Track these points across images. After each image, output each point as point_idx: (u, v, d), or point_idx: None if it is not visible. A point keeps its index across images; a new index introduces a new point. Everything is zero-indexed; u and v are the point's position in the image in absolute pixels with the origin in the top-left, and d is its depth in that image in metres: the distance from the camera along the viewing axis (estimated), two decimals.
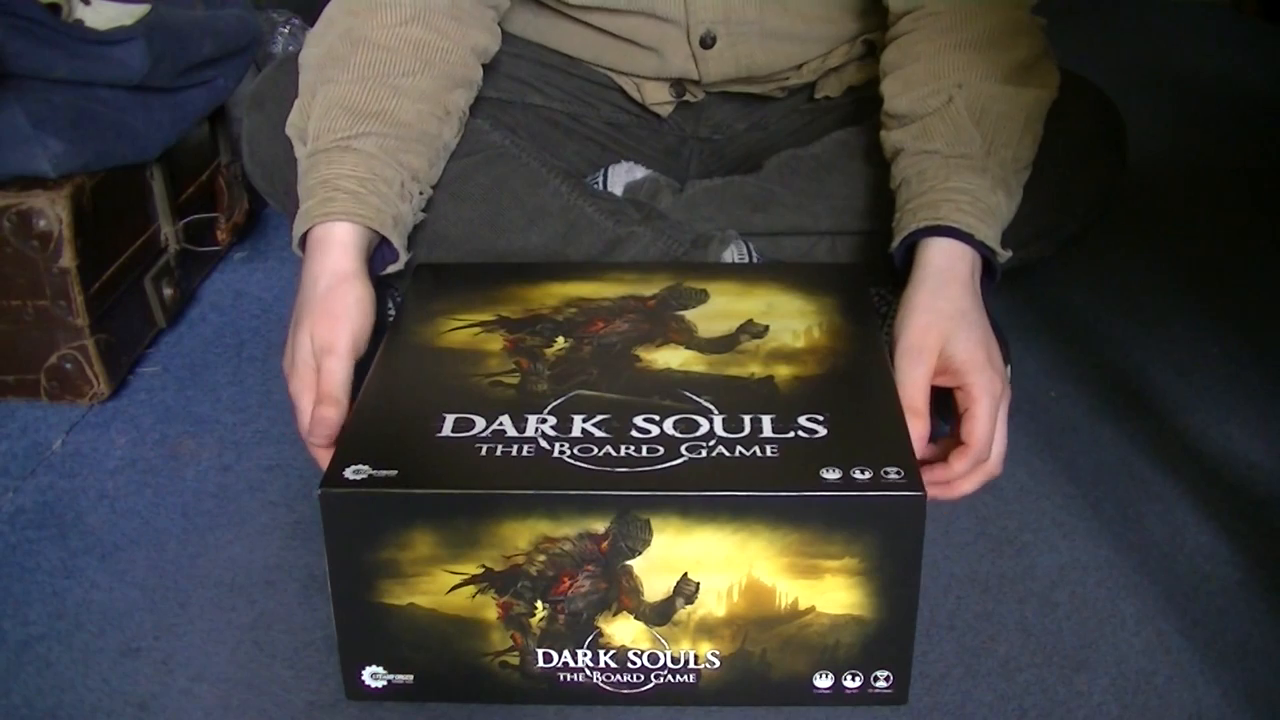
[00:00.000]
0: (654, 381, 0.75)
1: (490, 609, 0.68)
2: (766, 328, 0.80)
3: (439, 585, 0.67)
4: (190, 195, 1.18)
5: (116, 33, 1.02)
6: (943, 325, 0.78)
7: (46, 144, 0.95)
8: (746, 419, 0.71)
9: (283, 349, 0.81)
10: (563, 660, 0.69)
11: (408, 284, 0.88)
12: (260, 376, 1.08)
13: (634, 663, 0.69)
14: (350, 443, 0.69)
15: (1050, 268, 1.21)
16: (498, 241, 0.94)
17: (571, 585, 0.67)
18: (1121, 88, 1.08)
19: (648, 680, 0.70)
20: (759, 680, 0.70)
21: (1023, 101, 0.86)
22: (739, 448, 0.68)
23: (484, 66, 0.95)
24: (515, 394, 0.74)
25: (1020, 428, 0.99)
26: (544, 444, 0.69)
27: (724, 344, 0.79)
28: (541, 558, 0.66)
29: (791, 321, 0.81)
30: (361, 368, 0.79)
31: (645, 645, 0.69)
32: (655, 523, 0.65)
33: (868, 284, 0.89)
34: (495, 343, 0.79)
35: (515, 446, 0.69)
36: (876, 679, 0.70)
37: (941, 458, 0.78)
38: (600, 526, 0.65)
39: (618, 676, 0.70)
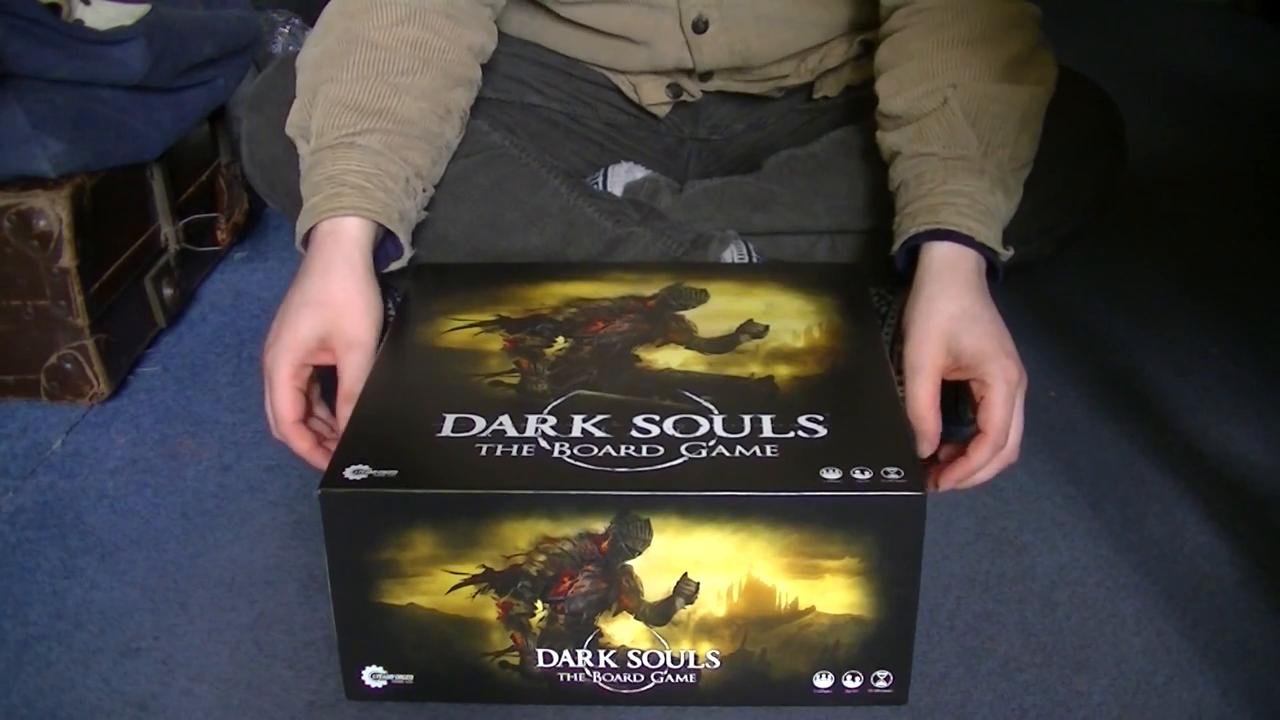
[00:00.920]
0: (654, 381, 0.75)
1: (490, 609, 0.68)
2: (766, 328, 0.80)
3: (439, 585, 0.67)
4: (190, 195, 1.18)
5: (116, 33, 1.02)
6: (945, 328, 0.78)
7: (46, 144, 0.95)
8: (746, 419, 0.71)
9: (272, 330, 0.80)
10: (563, 660, 0.69)
11: (408, 284, 0.88)
12: (260, 376, 1.08)
13: (634, 663, 0.69)
14: (350, 443, 0.69)
15: (1050, 268, 1.21)
16: (498, 242, 0.94)
17: (571, 585, 0.67)
18: (1121, 88, 1.08)
19: (648, 680, 0.70)
20: (759, 680, 0.70)
21: (1018, 100, 0.86)
22: (739, 448, 0.68)
23: (483, 66, 0.95)
24: (515, 394, 0.74)
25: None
26: (544, 444, 0.69)
27: (724, 344, 0.79)
28: (541, 558, 0.66)
29: (791, 321, 0.81)
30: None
31: (645, 645, 0.69)
32: (655, 523, 0.65)
33: (868, 284, 0.89)
34: (495, 343, 0.79)
35: (515, 446, 0.69)
36: (876, 679, 0.70)
37: (962, 453, 0.78)
38: (600, 526, 0.65)
39: (618, 676, 0.70)
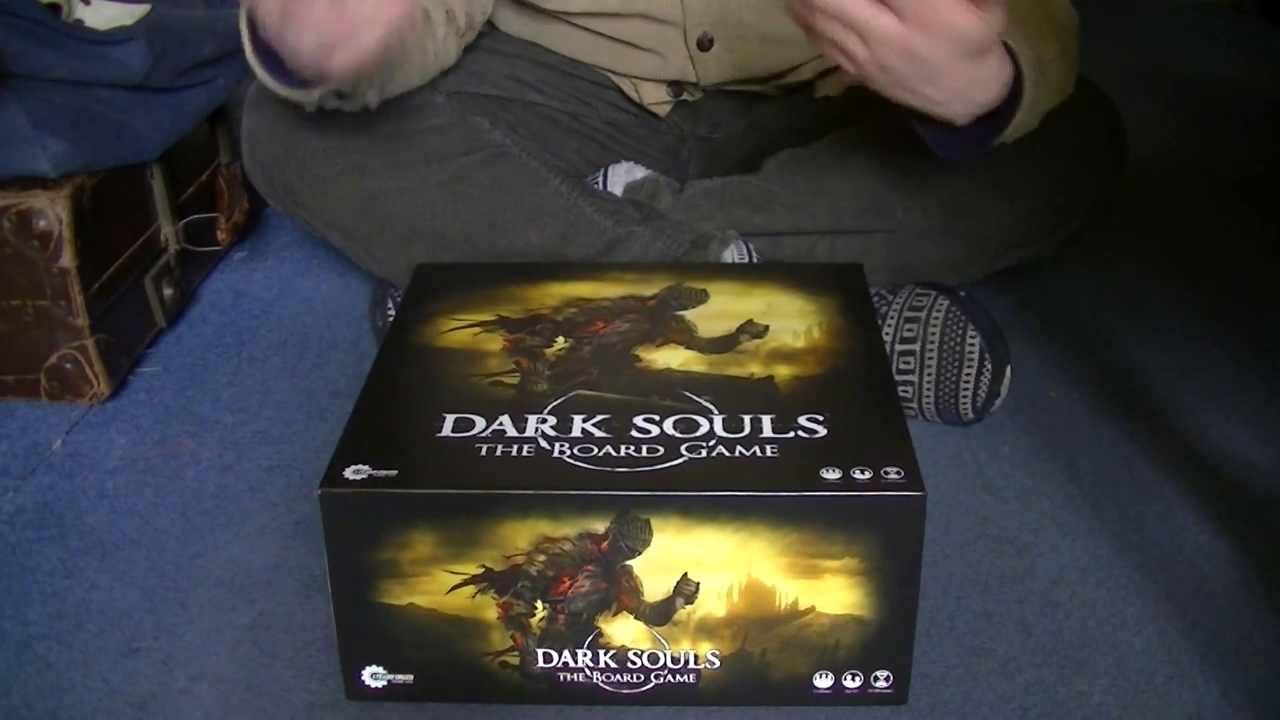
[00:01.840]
0: (654, 381, 0.75)
1: (490, 609, 0.68)
2: (766, 328, 0.80)
3: (439, 585, 0.67)
4: (190, 195, 1.18)
5: (116, 33, 1.02)
6: None
7: (46, 144, 0.95)
8: (746, 419, 0.71)
9: None
10: (563, 660, 0.69)
11: (407, 284, 0.88)
12: (260, 376, 1.08)
13: (634, 663, 0.69)
14: (350, 443, 0.69)
15: (1050, 268, 1.21)
16: (497, 241, 0.94)
17: (571, 585, 0.67)
18: (1121, 88, 1.08)
19: (648, 680, 0.70)
20: (759, 680, 0.70)
21: (1062, 43, 0.83)
22: (739, 448, 0.68)
23: (483, 66, 0.94)
24: (515, 394, 0.74)
25: (1020, 428, 0.99)
26: (544, 444, 0.69)
27: (724, 344, 0.79)
28: (541, 558, 0.66)
29: (791, 321, 0.81)
30: (362, 359, 0.79)
31: (645, 645, 0.69)
32: (655, 523, 0.65)
33: (867, 284, 0.89)
34: (495, 343, 0.79)
35: (515, 446, 0.69)
36: (876, 679, 0.70)
37: None
38: (600, 526, 0.65)
39: (618, 676, 0.70)
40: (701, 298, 0.84)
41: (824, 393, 0.73)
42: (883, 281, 0.98)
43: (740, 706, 0.71)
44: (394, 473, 0.66)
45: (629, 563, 0.66)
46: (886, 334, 0.95)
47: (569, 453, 0.68)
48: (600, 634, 0.68)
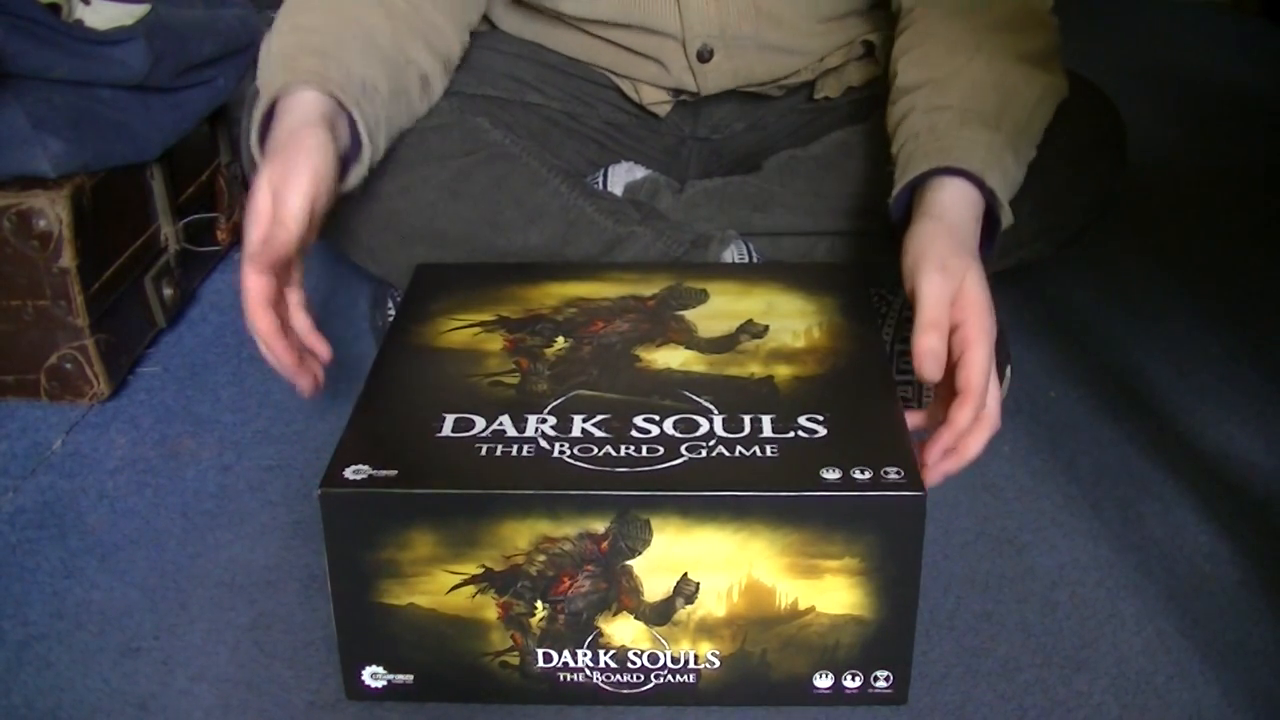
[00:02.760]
0: (654, 381, 0.75)
1: (490, 609, 0.68)
2: (766, 328, 0.80)
3: (439, 585, 0.67)
4: (190, 195, 1.18)
5: (116, 33, 1.02)
6: (964, 255, 0.75)
7: (46, 144, 0.95)
8: (746, 419, 0.71)
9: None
10: (563, 660, 0.69)
11: (407, 284, 0.88)
12: (260, 376, 1.08)
13: (634, 663, 0.69)
14: (350, 443, 0.69)
15: (1050, 268, 1.21)
16: (497, 241, 0.94)
17: (571, 585, 0.67)
18: (1121, 88, 1.08)
19: (648, 680, 0.70)
20: (759, 680, 0.70)
21: (1037, 81, 0.85)
22: (739, 448, 0.68)
23: (483, 66, 0.94)
24: (515, 394, 0.74)
25: (1020, 428, 0.99)
26: (544, 444, 0.69)
27: (724, 344, 0.79)
28: (541, 558, 0.66)
29: (791, 321, 0.81)
30: (362, 359, 0.79)
31: (645, 645, 0.69)
32: (655, 523, 0.65)
33: (868, 284, 0.89)
34: (495, 343, 0.79)
35: (515, 446, 0.69)
36: (876, 679, 0.70)
37: (933, 428, 0.75)
38: (600, 526, 0.65)
39: (618, 676, 0.70)
40: (701, 298, 0.84)
41: (824, 393, 0.73)
42: (883, 282, 0.98)
43: (740, 706, 0.71)
44: (394, 473, 0.66)
45: (629, 563, 0.66)
46: (886, 334, 0.95)
47: (569, 453, 0.68)
48: (600, 634, 0.68)
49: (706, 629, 0.68)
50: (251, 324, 0.75)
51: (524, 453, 0.68)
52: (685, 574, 0.67)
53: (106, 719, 0.72)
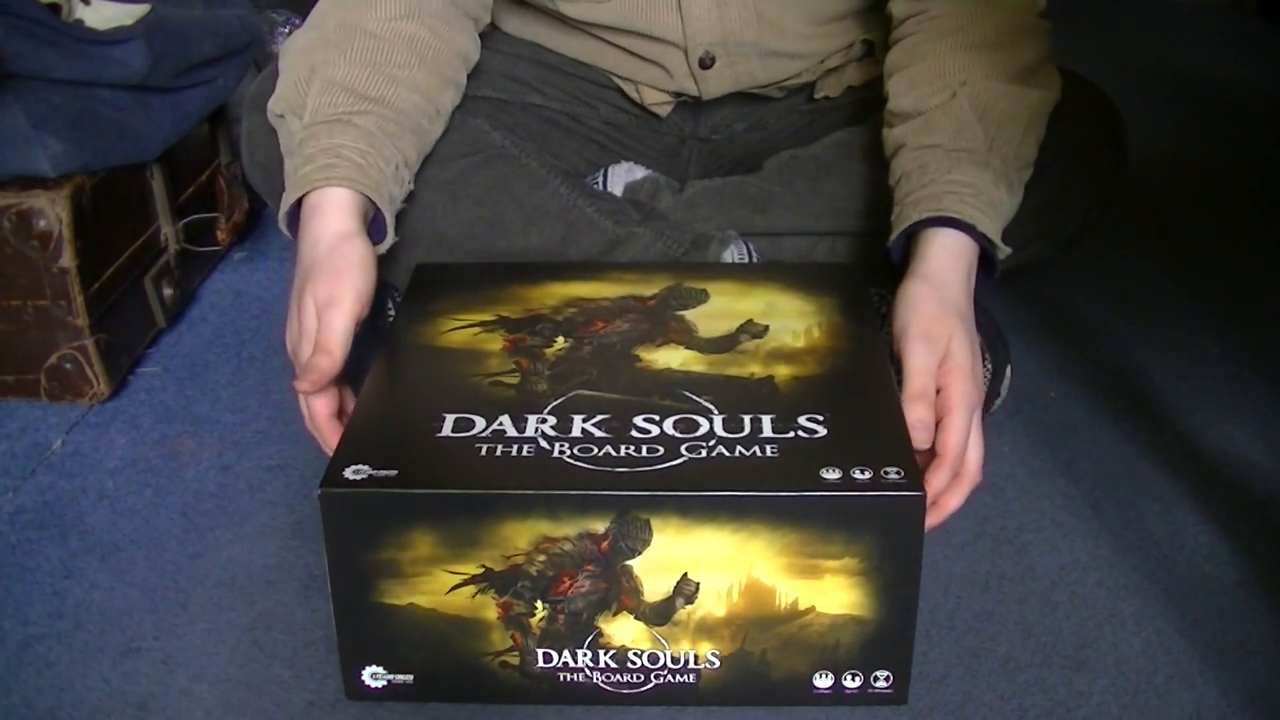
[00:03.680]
0: (654, 381, 0.75)
1: (490, 609, 0.68)
2: (766, 328, 0.80)
3: (439, 585, 0.67)
4: (190, 195, 1.18)
5: (116, 33, 1.02)
6: (950, 320, 0.77)
7: (46, 144, 0.95)
8: (746, 419, 0.71)
9: (285, 324, 0.81)
10: (563, 660, 0.69)
11: (407, 284, 0.88)
12: (260, 376, 1.08)
13: (634, 663, 0.69)
14: (350, 443, 0.69)
15: (1050, 268, 1.21)
16: (497, 241, 0.94)
17: (571, 585, 0.67)
18: (1121, 88, 1.08)
19: (648, 680, 0.70)
20: (759, 680, 0.70)
21: (1026, 101, 0.86)
22: (739, 448, 0.68)
23: (483, 66, 0.94)
24: (515, 394, 0.74)
25: (1020, 428, 0.99)
26: (544, 444, 0.69)
27: (724, 344, 0.79)
28: (541, 558, 0.66)
29: (791, 321, 0.81)
30: (362, 356, 0.79)
31: (645, 645, 0.69)
32: (655, 523, 0.65)
33: (868, 284, 0.89)
34: (495, 343, 0.79)
35: (515, 446, 0.69)
36: (876, 679, 0.70)
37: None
38: (600, 526, 0.65)
39: (618, 676, 0.70)
40: (701, 298, 0.84)
41: (824, 393, 0.73)
42: (883, 282, 0.97)
43: (740, 706, 0.71)
44: (394, 473, 0.66)
45: (629, 563, 0.66)
46: (886, 334, 0.95)
47: (569, 453, 0.68)
48: (600, 634, 0.68)
49: (706, 629, 0.68)
50: (321, 440, 0.79)
51: (524, 453, 0.68)
52: (685, 574, 0.67)
53: (106, 719, 0.72)
